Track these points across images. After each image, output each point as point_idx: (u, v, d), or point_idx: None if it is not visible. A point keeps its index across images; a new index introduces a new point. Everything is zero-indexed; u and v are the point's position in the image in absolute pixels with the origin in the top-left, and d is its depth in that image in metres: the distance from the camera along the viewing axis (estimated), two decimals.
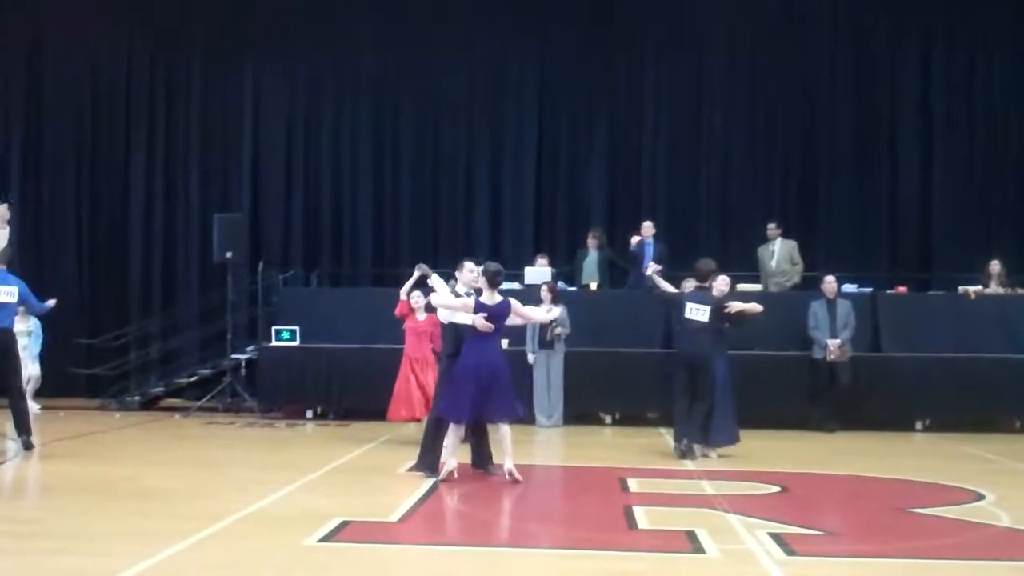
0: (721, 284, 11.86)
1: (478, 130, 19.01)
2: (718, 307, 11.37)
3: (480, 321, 9.25)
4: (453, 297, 9.64)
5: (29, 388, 16.52)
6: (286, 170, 19.13)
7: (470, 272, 9.81)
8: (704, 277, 11.74)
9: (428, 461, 9.67)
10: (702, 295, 11.58)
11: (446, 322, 9.81)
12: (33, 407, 16.20)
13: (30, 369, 16.56)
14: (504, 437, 9.45)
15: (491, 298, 9.41)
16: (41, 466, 10.48)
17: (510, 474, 9.41)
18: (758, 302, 15.18)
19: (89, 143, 19.32)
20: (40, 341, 16.69)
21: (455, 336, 9.62)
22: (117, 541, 6.85)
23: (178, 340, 18.06)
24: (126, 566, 5.99)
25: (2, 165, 19.36)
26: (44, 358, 16.78)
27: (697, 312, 11.36)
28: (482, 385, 9.22)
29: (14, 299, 11.51)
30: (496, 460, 9.71)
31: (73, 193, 19.25)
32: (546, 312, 9.66)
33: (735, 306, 11.52)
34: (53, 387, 17.31)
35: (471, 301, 9.42)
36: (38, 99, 19.39)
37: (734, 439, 11.68)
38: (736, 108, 18.71)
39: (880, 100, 18.61)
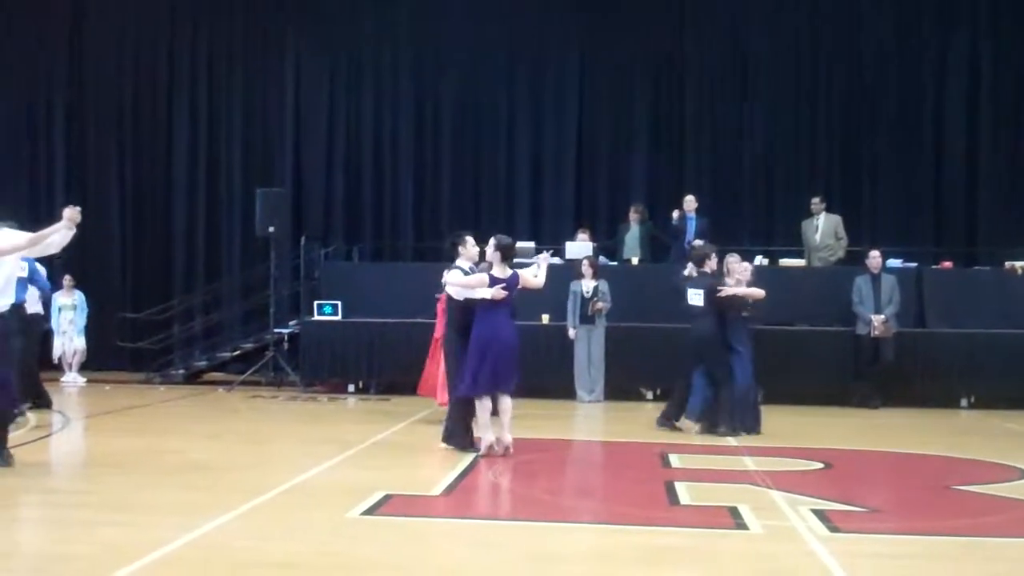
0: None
1: (519, 103, 18.93)
2: (711, 291, 11.25)
3: (497, 291, 9.25)
4: (463, 276, 9.60)
5: (75, 361, 16.78)
6: (327, 144, 19.17)
7: (473, 247, 9.80)
8: (699, 262, 11.58)
9: (459, 440, 9.66)
10: (701, 280, 11.45)
11: (461, 299, 9.69)
12: (79, 380, 16.46)
13: (76, 342, 16.81)
14: (507, 411, 9.47)
15: (502, 271, 9.43)
16: (87, 438, 10.60)
17: (507, 449, 9.38)
18: (801, 277, 15.21)
19: (131, 119, 19.45)
20: (85, 315, 16.92)
21: (464, 313, 9.59)
22: (162, 512, 6.92)
23: (221, 314, 18.20)
24: (172, 537, 6.05)
25: (47, 144, 19.55)
26: (89, 332, 16.99)
27: (695, 297, 11.33)
28: (496, 358, 9.24)
29: (26, 274, 11.72)
30: (495, 433, 9.43)
31: (117, 169, 19.40)
32: (533, 276, 9.58)
33: (727, 290, 11.32)
34: (98, 360, 17.55)
35: (484, 276, 9.41)
36: (80, 75, 19.53)
37: (750, 429, 11.29)
38: (780, 81, 18.49)
39: (926, 72, 18.33)
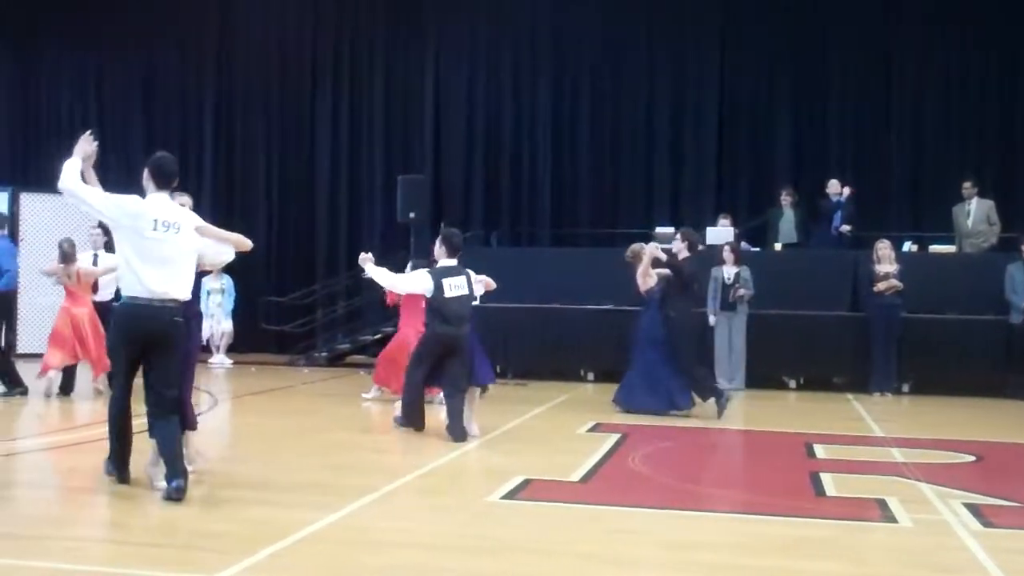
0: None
1: (658, 87, 18.70)
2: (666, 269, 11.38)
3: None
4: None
5: (222, 344, 17.26)
6: (467, 131, 19.30)
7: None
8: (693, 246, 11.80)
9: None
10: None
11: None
12: (226, 362, 16.92)
13: (223, 325, 17.28)
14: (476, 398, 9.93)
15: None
16: (232, 419, 10.87)
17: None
18: (952, 264, 14.76)
19: (277, 108, 19.91)
20: (232, 298, 17.39)
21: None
22: (306, 493, 7.03)
23: (363, 298, 18.46)
24: (315, 517, 6.14)
25: (197, 133, 20.13)
26: (236, 315, 17.45)
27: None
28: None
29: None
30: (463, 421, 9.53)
31: (263, 157, 19.89)
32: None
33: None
34: (245, 343, 18.02)
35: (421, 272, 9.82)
36: (229, 67, 20.07)
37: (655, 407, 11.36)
38: (929, 61, 17.88)
39: None
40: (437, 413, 10.32)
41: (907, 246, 15.31)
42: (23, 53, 20.77)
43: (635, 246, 11.79)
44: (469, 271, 9.84)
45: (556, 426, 10.63)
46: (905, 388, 14.14)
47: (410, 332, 11.55)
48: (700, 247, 11.86)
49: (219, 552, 5.41)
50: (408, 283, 9.93)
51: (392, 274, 10.01)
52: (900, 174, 17.82)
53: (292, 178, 19.81)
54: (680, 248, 11.55)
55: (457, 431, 9.31)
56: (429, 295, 9.56)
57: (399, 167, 18.44)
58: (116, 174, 20.01)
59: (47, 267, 12.26)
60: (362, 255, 10.19)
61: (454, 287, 9.56)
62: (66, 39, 20.43)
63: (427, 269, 9.85)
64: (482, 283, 10.18)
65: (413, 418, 9.77)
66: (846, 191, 15.79)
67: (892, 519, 6.59)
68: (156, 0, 20.08)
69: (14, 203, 16.83)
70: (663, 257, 11.35)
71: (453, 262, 9.72)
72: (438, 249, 9.80)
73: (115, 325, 6.99)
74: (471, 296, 9.73)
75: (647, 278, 11.45)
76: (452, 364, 9.49)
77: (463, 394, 9.57)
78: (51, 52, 20.63)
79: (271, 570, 5.21)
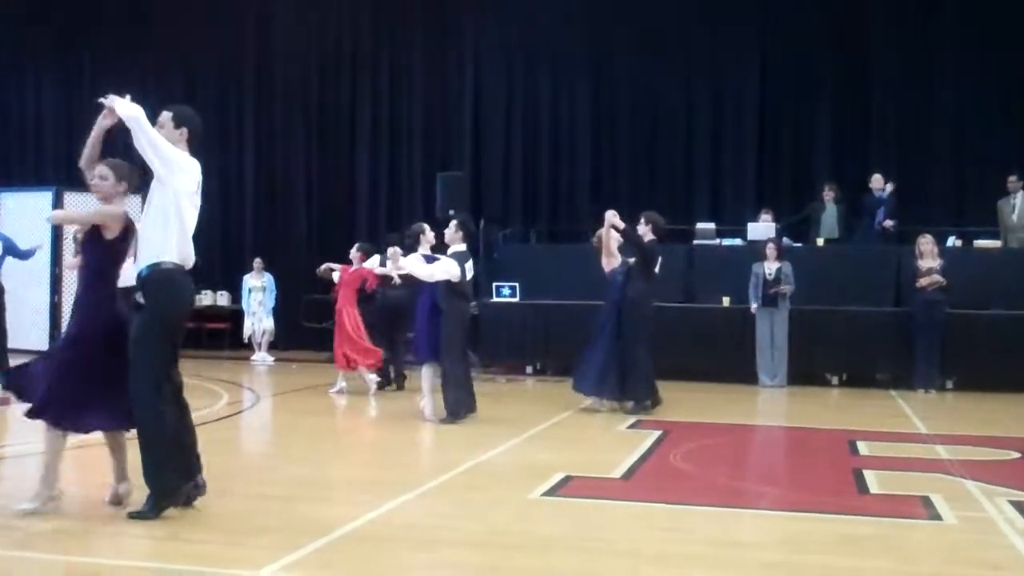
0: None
1: (697, 82, 18.56)
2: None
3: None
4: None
5: (263, 341, 17.35)
6: (506, 128, 19.27)
7: (431, 233, 11.00)
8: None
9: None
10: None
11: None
12: (267, 359, 17.02)
13: (264, 322, 17.38)
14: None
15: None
16: (274, 416, 10.92)
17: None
18: (997, 258, 14.62)
19: (316, 106, 19.98)
20: (274, 296, 17.48)
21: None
22: (348, 489, 7.07)
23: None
24: (358, 513, 6.16)
25: (237, 130, 20.27)
26: (277, 313, 17.54)
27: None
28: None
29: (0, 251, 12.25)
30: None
31: (303, 155, 19.97)
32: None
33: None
34: (286, 340, 18.12)
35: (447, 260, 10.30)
36: (269, 63, 20.16)
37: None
38: (973, 54, 17.64)
39: None
40: (495, 412, 10.33)
41: (951, 241, 15.15)
42: (67, 57, 21.04)
43: (600, 231, 11.73)
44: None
45: (596, 423, 10.62)
46: (949, 384, 13.98)
47: (346, 312, 12.68)
48: (664, 230, 11.71)
49: (263, 548, 5.44)
50: (443, 270, 10.22)
51: (427, 264, 10.37)
52: (944, 168, 17.58)
53: (332, 176, 19.88)
54: (645, 231, 11.40)
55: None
56: (456, 280, 10.12)
57: (438, 164, 18.46)
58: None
59: (71, 260, 12.11)
60: (391, 249, 10.86)
61: (469, 270, 10.39)
62: (109, 43, 20.62)
63: (449, 255, 10.34)
64: None
65: (467, 403, 10.26)
66: (889, 187, 15.65)
67: (937, 517, 6.52)
68: (196, 2, 20.25)
69: (58, 202, 17.00)
70: (620, 224, 11.22)
71: (463, 247, 10.40)
72: (453, 234, 10.42)
73: (168, 297, 6.08)
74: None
75: (611, 258, 11.47)
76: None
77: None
78: (94, 56, 20.86)
79: (315, 566, 5.23)
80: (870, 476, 7.78)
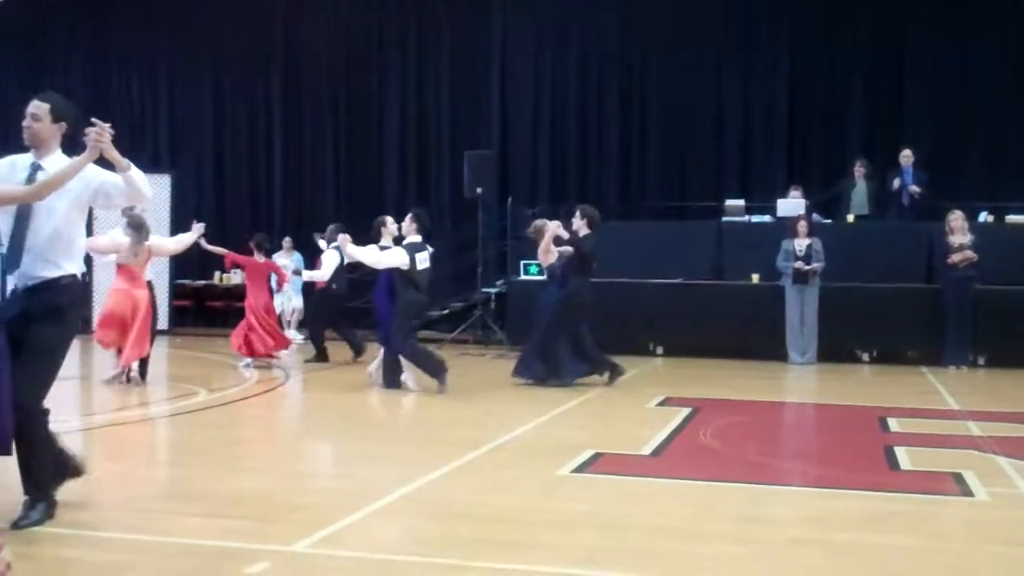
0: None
1: (727, 57, 18.37)
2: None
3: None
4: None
5: (293, 319, 17.42)
6: (534, 107, 19.20)
7: (393, 225, 11.55)
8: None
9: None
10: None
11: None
12: (297, 337, 17.09)
13: (294, 301, 17.44)
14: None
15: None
16: (304, 394, 10.99)
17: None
18: None
19: (344, 86, 19.96)
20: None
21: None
22: (379, 465, 7.10)
23: (431, 274, 18.47)
24: (389, 489, 6.20)
25: (265, 112, 20.32)
26: (307, 291, 17.58)
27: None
28: None
29: None
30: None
31: (331, 134, 19.99)
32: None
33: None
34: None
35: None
36: (296, 45, 20.17)
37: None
38: (1007, 23, 17.34)
39: None
40: (524, 390, 10.34)
41: (983, 216, 15.01)
42: (96, 39, 21.15)
43: (538, 222, 11.95)
44: (428, 247, 11.23)
45: (625, 400, 10.61)
46: (981, 361, 13.88)
47: (252, 302, 13.14)
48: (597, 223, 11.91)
49: (295, 523, 5.48)
50: (390, 258, 10.94)
51: (376, 251, 11.12)
52: (976, 143, 17.35)
53: (360, 155, 19.89)
54: (580, 225, 11.68)
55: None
56: (405, 268, 10.84)
57: (466, 143, 18.44)
58: (185, 155, 20.53)
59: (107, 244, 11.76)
60: (341, 236, 11.56)
61: (422, 261, 11.01)
62: (137, 24, 20.72)
63: (402, 245, 11.07)
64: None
65: (432, 366, 10.88)
66: (906, 153, 15.43)
67: (969, 493, 6.50)
68: None
69: None
70: (564, 235, 11.53)
71: (419, 239, 11.10)
72: (408, 226, 11.15)
73: (77, 310, 5.64)
74: (431, 269, 11.19)
75: (548, 254, 11.60)
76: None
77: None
78: (123, 37, 20.94)
79: (346, 541, 5.27)
80: (901, 453, 7.75)
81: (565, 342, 11.46)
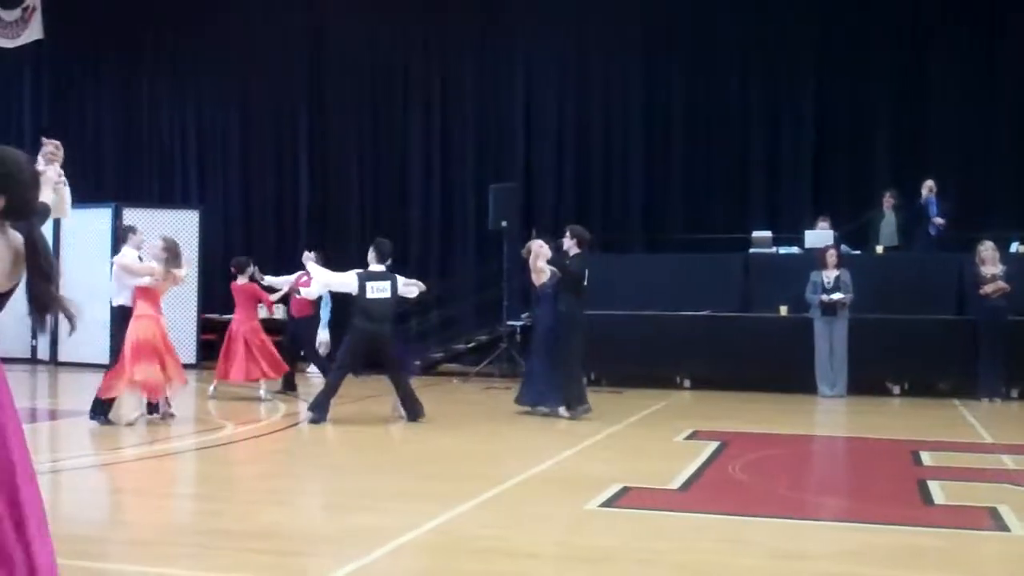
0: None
1: (753, 87, 18.31)
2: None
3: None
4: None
5: (320, 353, 17.35)
6: (558, 139, 19.22)
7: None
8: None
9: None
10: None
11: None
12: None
13: (321, 335, 17.38)
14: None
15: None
16: (326, 428, 10.94)
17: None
18: None
19: (369, 118, 20.09)
20: (329, 308, 17.47)
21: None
22: (406, 499, 7.05)
23: (456, 307, 18.50)
24: (416, 524, 6.14)
25: (291, 139, 20.44)
26: (333, 325, 17.57)
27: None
28: None
29: None
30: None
31: (356, 167, 20.10)
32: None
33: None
34: (337, 349, 18.11)
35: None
36: (322, 79, 20.32)
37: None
38: None
39: None
40: (550, 423, 10.26)
41: (1015, 247, 14.87)
42: (127, 78, 21.46)
43: (530, 243, 11.95)
44: (396, 276, 11.29)
45: (653, 434, 10.53)
46: (1014, 393, 13.72)
47: (238, 326, 13.47)
48: (589, 243, 12.01)
49: (319, 557, 5.44)
50: (339, 280, 11.37)
51: (329, 272, 11.66)
52: (1005, 173, 17.20)
53: (385, 188, 19.98)
54: (570, 245, 11.65)
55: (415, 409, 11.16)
56: (354, 293, 11.01)
57: (491, 176, 18.46)
58: (212, 191, 20.67)
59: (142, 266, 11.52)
60: (306, 253, 12.21)
61: (376, 290, 11.02)
62: (167, 64, 21.08)
63: (356, 271, 11.24)
64: (414, 286, 11.60)
65: (326, 403, 11.02)
66: (928, 184, 15.36)
67: (1004, 528, 6.38)
68: (252, 15, 20.49)
69: (117, 218, 17.21)
70: (548, 254, 11.55)
71: (381, 268, 11.23)
72: (370, 255, 11.32)
73: None
74: (394, 299, 11.15)
75: (540, 274, 11.57)
76: (384, 358, 11.09)
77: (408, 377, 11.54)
78: (153, 76, 21.30)
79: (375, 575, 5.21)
80: (934, 486, 7.63)
81: (576, 365, 11.48)
